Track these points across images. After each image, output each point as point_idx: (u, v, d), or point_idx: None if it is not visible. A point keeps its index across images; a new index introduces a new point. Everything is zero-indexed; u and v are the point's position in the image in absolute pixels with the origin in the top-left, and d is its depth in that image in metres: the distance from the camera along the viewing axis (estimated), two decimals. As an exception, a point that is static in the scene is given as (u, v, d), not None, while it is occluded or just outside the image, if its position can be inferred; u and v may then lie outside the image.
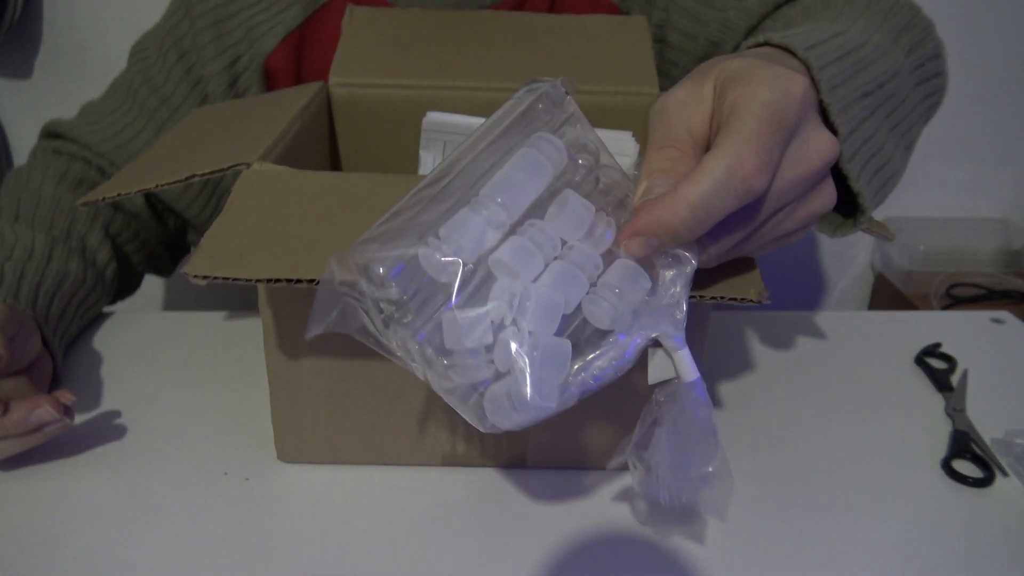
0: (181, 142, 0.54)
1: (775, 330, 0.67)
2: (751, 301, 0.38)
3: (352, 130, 0.64)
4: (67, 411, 0.47)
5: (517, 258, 0.34)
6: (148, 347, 0.61)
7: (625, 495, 0.48)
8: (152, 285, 0.79)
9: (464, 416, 0.34)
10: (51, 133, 0.73)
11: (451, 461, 0.49)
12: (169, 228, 0.75)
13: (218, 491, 0.47)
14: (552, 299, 0.34)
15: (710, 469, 0.38)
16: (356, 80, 0.62)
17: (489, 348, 0.34)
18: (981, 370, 0.61)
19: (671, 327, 0.36)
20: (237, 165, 0.44)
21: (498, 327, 0.34)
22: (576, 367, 0.35)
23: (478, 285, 0.35)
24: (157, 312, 0.68)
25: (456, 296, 0.34)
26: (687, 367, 0.37)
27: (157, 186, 0.44)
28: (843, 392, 0.59)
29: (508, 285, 0.34)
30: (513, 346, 0.33)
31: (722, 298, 0.38)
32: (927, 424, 0.55)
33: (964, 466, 0.51)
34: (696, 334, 0.43)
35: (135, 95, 0.72)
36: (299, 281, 0.37)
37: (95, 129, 0.71)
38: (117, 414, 0.54)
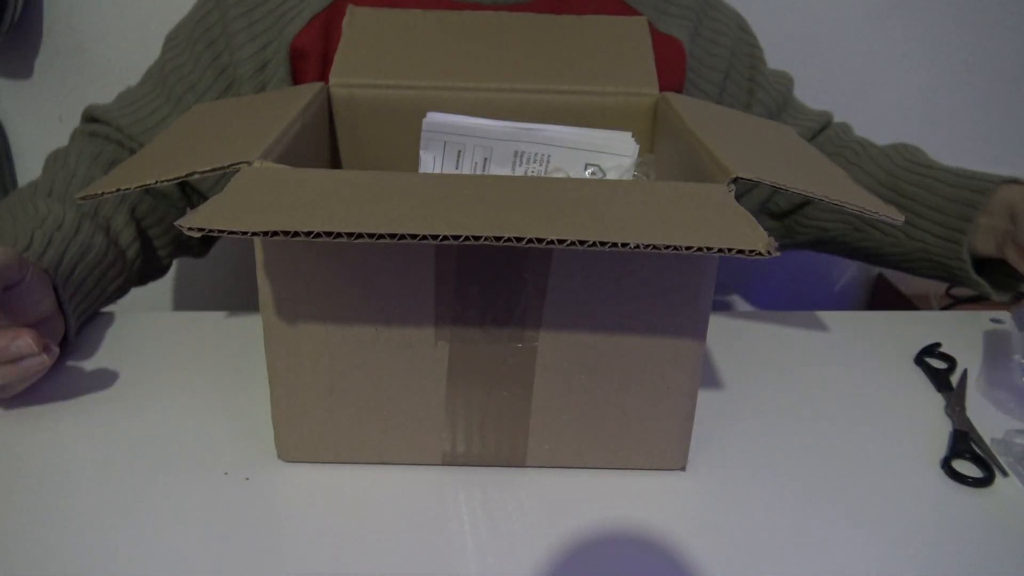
0: (182, 138, 0.53)
1: (775, 330, 0.67)
2: (759, 253, 0.36)
3: (352, 130, 0.64)
4: (47, 348, 0.49)
5: None
6: (149, 347, 0.62)
7: (625, 495, 0.48)
8: (154, 285, 0.80)
9: None
10: (88, 117, 0.78)
11: (451, 461, 0.49)
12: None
13: (218, 491, 0.47)
14: None
15: None
16: (356, 80, 0.62)
17: None
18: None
19: None
20: (238, 163, 0.44)
21: None
22: None
23: None
24: (159, 312, 0.68)
25: None
26: None
27: (157, 182, 0.45)
28: (843, 392, 0.59)
29: None
30: None
31: (729, 250, 0.36)
32: (927, 424, 0.55)
33: (964, 466, 0.51)
34: (702, 288, 0.43)
35: (164, 81, 0.76)
36: (296, 234, 0.36)
37: (127, 112, 0.76)
38: (118, 413, 0.54)
